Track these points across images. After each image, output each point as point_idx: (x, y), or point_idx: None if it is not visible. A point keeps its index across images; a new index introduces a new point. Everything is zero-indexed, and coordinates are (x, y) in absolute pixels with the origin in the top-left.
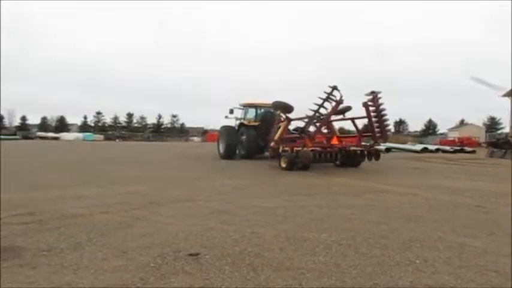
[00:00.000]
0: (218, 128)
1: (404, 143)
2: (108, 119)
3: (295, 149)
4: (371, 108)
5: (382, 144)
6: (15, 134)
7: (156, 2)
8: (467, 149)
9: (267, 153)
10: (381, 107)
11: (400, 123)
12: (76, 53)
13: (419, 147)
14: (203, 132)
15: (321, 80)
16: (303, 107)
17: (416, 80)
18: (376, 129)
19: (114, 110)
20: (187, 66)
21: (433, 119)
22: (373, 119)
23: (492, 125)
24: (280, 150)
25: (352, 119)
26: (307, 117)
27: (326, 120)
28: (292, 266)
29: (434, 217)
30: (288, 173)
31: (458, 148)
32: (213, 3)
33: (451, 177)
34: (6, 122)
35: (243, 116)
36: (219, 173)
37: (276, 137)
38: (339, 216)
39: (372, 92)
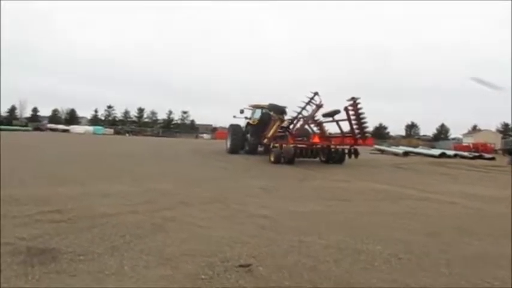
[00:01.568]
0: (227, 126)
1: (415, 146)
2: (118, 113)
3: (283, 145)
4: (351, 112)
5: (395, 148)
6: (26, 126)
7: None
8: (486, 155)
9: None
10: (360, 111)
11: (411, 127)
12: (88, 46)
13: (437, 151)
14: (212, 130)
15: (336, 80)
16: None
17: (424, 83)
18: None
19: (124, 105)
20: (197, 63)
21: (446, 124)
22: (353, 122)
23: (506, 130)
24: (271, 146)
25: (337, 121)
26: (292, 118)
27: (306, 121)
28: (357, 282)
29: (486, 229)
30: (313, 175)
31: (477, 154)
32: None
33: (483, 185)
34: (17, 112)
35: (250, 116)
36: (241, 173)
37: (269, 135)
38: (385, 225)
39: (352, 98)
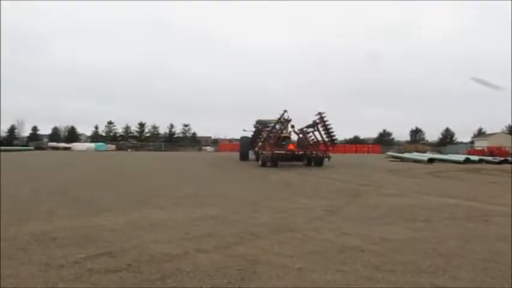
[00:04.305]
0: (228, 137)
1: (423, 152)
2: (119, 129)
3: (263, 152)
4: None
5: (418, 155)
6: (27, 145)
7: (166, 12)
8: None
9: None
10: (327, 122)
11: (416, 132)
12: (85, 61)
13: (461, 157)
14: (213, 142)
15: (336, 88)
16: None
17: (422, 88)
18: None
19: (124, 120)
20: (194, 75)
21: (450, 128)
22: (322, 132)
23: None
24: (260, 153)
25: (313, 131)
26: (269, 131)
27: (278, 133)
28: None
29: None
30: (365, 191)
31: (502, 159)
32: (222, 13)
33: None
34: (17, 132)
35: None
36: (283, 190)
37: (259, 144)
38: None
39: (319, 113)
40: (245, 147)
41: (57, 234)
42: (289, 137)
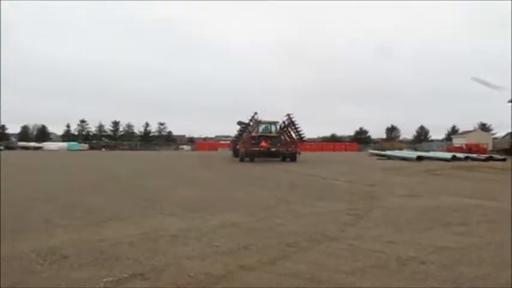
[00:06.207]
0: (203, 136)
1: (400, 149)
2: (92, 128)
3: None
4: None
5: (405, 152)
6: None
7: (145, 10)
8: (496, 156)
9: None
10: (296, 122)
11: (392, 130)
12: (57, 59)
13: (448, 155)
14: (188, 140)
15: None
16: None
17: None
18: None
19: (96, 119)
20: (172, 73)
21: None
22: (292, 132)
23: (484, 130)
24: (240, 151)
25: (284, 131)
26: (242, 131)
27: (249, 133)
28: None
29: None
30: (378, 193)
31: (488, 156)
32: (202, 11)
33: None
34: None
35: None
36: (291, 192)
37: (240, 142)
38: None
39: (288, 115)
40: (235, 145)
41: (68, 251)
42: (278, 136)
